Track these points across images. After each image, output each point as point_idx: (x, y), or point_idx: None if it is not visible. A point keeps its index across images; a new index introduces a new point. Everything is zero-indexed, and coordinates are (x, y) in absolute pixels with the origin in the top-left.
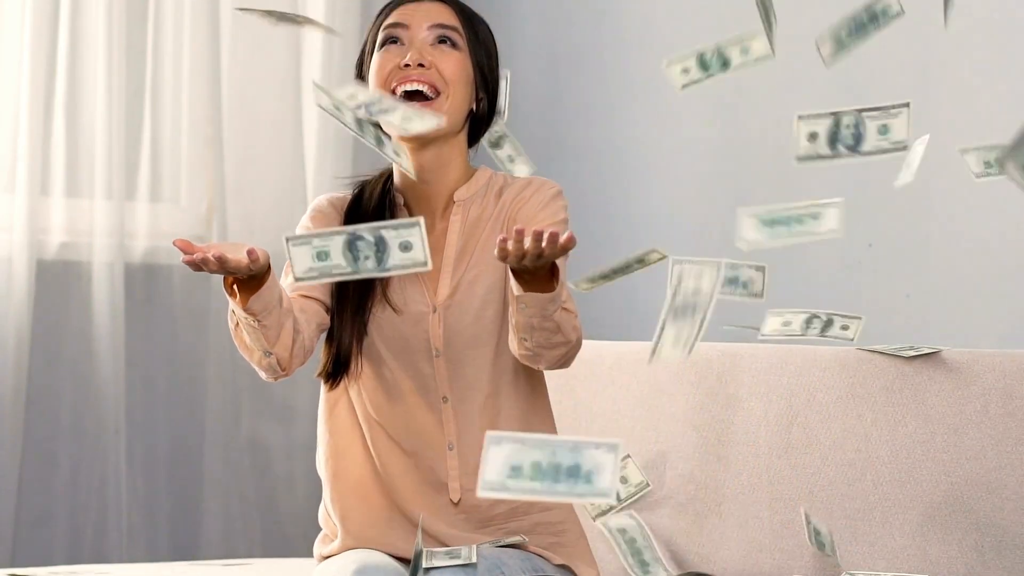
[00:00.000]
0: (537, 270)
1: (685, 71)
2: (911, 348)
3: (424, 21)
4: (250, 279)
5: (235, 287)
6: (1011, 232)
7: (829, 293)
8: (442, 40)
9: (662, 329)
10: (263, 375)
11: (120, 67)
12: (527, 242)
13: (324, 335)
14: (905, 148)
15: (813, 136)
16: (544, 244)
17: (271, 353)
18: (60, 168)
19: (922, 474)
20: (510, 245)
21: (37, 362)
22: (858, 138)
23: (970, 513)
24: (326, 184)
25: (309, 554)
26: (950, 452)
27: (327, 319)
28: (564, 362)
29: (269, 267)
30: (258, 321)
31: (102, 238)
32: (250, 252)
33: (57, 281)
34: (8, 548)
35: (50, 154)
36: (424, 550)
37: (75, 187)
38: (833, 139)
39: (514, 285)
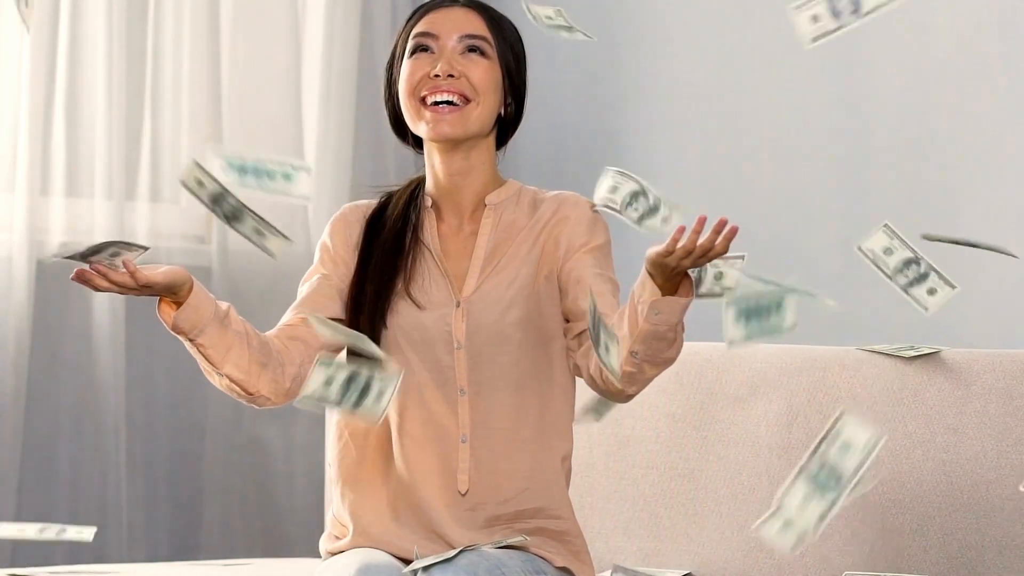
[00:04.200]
0: (676, 275)
1: (815, 18)
2: (911, 348)
3: (454, 31)
4: (175, 300)
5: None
6: (1011, 232)
7: (829, 293)
8: (471, 49)
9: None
10: (249, 405)
11: (120, 67)
12: (703, 236)
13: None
14: None
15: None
16: (720, 239)
17: (222, 374)
18: (60, 168)
19: (922, 474)
20: (684, 238)
21: (37, 362)
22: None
23: (970, 513)
24: (326, 184)
25: (309, 554)
26: (950, 452)
27: (332, 340)
28: (646, 383)
29: (191, 287)
30: (191, 340)
31: (102, 238)
32: (126, 263)
33: (57, 281)
34: (8, 548)
35: (50, 154)
36: (417, 558)
37: (75, 187)
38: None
39: (648, 290)
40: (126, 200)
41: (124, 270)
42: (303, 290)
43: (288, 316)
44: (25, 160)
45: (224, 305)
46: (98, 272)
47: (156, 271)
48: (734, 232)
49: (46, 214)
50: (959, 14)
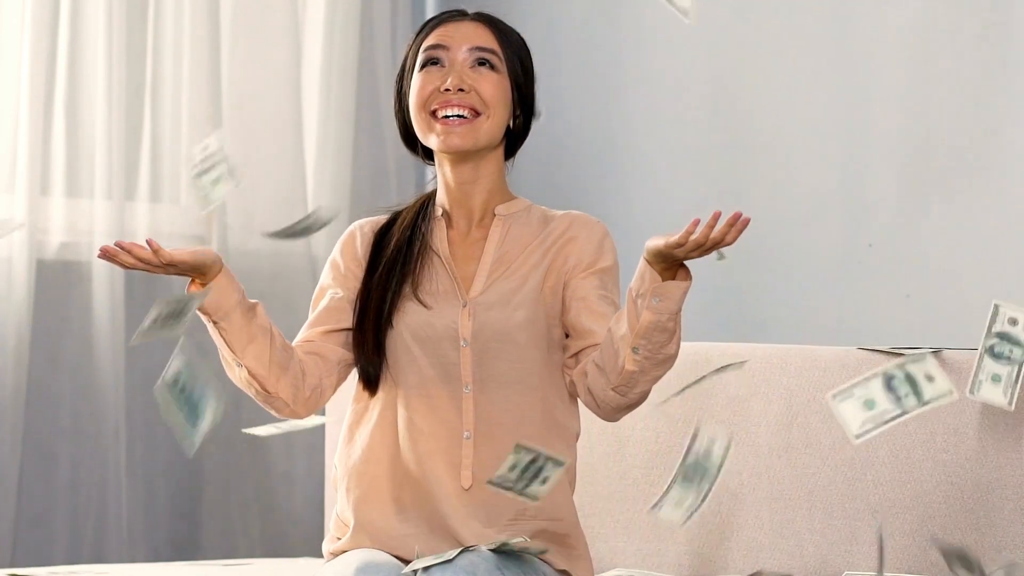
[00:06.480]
0: (674, 265)
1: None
2: (911, 348)
3: (464, 43)
4: (204, 281)
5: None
6: (1011, 232)
7: (829, 293)
8: (481, 63)
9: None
10: (266, 407)
11: (120, 67)
12: (716, 228)
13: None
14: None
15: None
16: (732, 231)
17: (241, 364)
18: (60, 168)
19: (922, 474)
20: (699, 230)
21: (37, 362)
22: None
23: (970, 513)
24: (326, 184)
25: (309, 554)
26: (950, 452)
27: (350, 354)
28: (650, 387)
29: (220, 270)
30: (214, 323)
31: (102, 238)
32: (149, 242)
33: (57, 281)
34: (8, 548)
35: (50, 154)
36: (418, 558)
37: (75, 187)
38: None
39: (648, 279)
40: (126, 200)
41: (148, 248)
42: (316, 308)
43: (304, 333)
44: (25, 160)
45: (253, 300)
46: (122, 248)
47: (183, 251)
48: (746, 223)
49: (46, 214)
50: (960, 15)
